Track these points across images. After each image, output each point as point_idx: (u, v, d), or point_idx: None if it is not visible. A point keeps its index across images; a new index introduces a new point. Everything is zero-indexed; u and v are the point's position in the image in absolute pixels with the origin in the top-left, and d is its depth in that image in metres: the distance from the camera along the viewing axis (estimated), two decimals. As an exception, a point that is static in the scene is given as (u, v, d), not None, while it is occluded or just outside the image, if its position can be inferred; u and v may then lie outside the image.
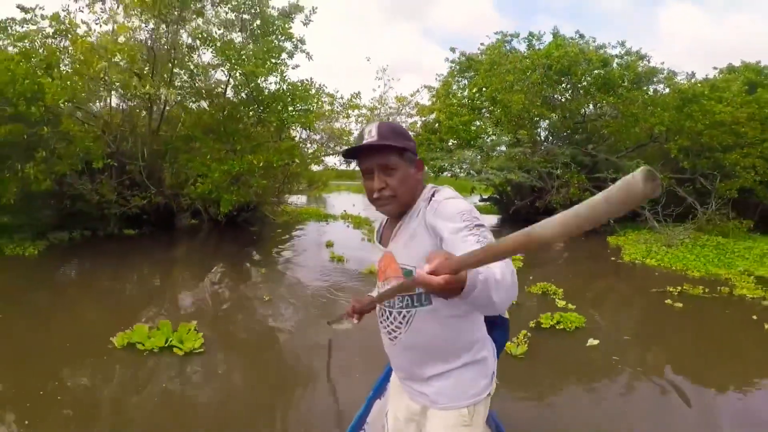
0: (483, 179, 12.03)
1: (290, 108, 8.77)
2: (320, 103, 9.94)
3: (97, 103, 9.56)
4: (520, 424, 2.74)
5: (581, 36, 13.27)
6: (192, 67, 9.23)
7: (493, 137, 13.54)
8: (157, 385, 3.15)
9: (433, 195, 1.34)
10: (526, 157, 12.09)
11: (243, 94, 9.17)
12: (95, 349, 3.62)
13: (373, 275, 1.27)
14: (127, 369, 3.35)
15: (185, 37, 9.06)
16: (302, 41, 9.25)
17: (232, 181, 8.18)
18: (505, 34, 14.15)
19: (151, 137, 8.97)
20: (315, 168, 13.40)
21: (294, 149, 9.53)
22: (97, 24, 8.33)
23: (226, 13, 9.13)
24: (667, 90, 12.55)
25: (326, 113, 11.32)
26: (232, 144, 8.61)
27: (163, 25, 8.45)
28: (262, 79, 8.58)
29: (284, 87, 8.87)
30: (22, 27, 8.02)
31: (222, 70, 9.25)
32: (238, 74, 8.59)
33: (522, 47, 13.98)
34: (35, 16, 7.96)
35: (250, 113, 9.28)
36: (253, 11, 8.98)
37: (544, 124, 13.97)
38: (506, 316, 1.59)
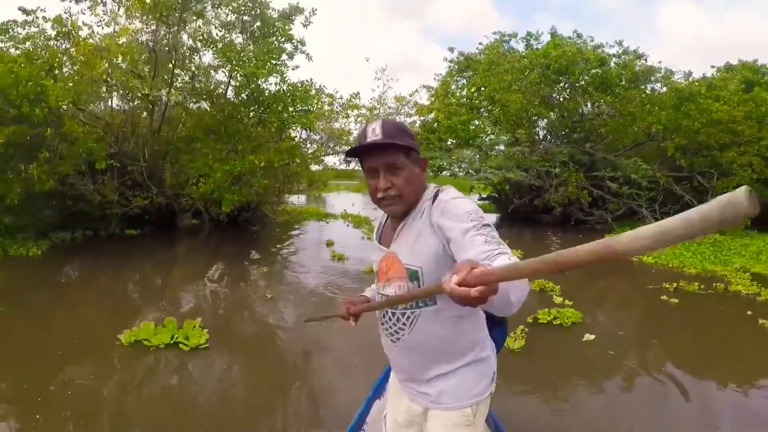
0: (482, 178, 12.14)
1: (290, 109, 8.85)
2: (320, 103, 10.03)
3: (99, 105, 9.63)
4: (516, 417, 2.82)
5: (579, 35, 13.38)
6: (193, 68, 9.30)
7: (492, 136, 13.65)
8: (164, 380, 3.25)
9: (436, 194, 1.34)
10: (524, 156, 12.18)
11: (243, 95, 9.24)
12: (103, 346, 3.71)
13: (373, 274, 1.29)
14: (135, 365, 3.44)
15: (186, 39, 9.14)
16: (302, 42, 9.34)
17: (233, 181, 8.26)
18: (503, 34, 14.27)
19: (152, 138, 9.06)
20: (315, 168, 13.50)
21: (294, 149, 9.62)
22: (99, 26, 8.41)
23: (227, 15, 9.21)
24: (665, 89, 12.65)
25: (326, 113, 11.41)
26: (233, 144, 8.69)
27: (164, 27, 8.53)
28: (263, 80, 8.66)
29: (284, 88, 8.95)
30: (24, 29, 8.10)
31: (223, 71, 9.34)
32: (238, 75, 8.67)
33: (520, 47, 14.10)
34: (36, 18, 8.05)
35: (251, 114, 9.36)
36: (253, 13, 9.07)
37: (543, 123, 14.07)
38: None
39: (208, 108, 9.67)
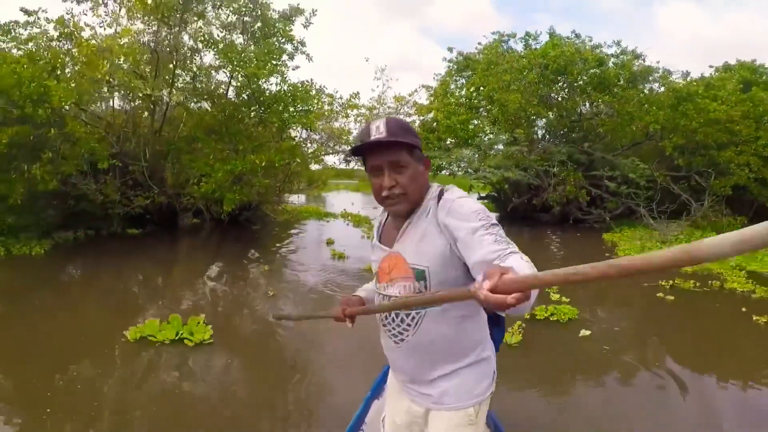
0: (481, 177, 12.22)
1: (291, 109, 8.93)
2: (320, 103, 10.10)
3: (101, 105, 9.69)
4: (514, 413, 2.88)
5: (577, 35, 13.45)
6: (195, 68, 9.38)
7: (491, 136, 13.74)
8: (171, 375, 3.32)
9: (441, 194, 1.33)
10: (523, 156, 12.26)
11: (244, 95, 9.32)
12: (109, 343, 3.78)
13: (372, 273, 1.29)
14: (142, 360, 3.52)
15: (187, 39, 9.21)
16: (302, 43, 9.42)
17: (234, 181, 8.33)
18: (502, 34, 14.33)
19: (154, 138, 9.13)
20: (314, 167, 13.57)
21: (295, 149, 9.70)
22: (101, 27, 8.48)
23: (227, 15, 9.28)
24: (662, 89, 12.74)
25: (326, 113, 11.48)
26: (234, 144, 8.76)
27: (165, 28, 8.60)
28: (264, 80, 8.73)
29: (285, 88, 9.03)
30: (26, 30, 8.16)
31: (224, 72, 9.41)
32: (239, 76, 8.75)
33: (519, 47, 14.17)
34: (38, 19, 8.11)
35: (252, 114, 9.44)
36: (254, 14, 9.14)
37: (541, 122, 14.14)
38: (502, 313, 1.52)
39: (209, 108, 9.74)
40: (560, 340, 4.20)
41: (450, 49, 15.17)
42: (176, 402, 2.99)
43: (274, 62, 8.61)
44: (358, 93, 12.15)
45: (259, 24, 9.24)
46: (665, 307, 5.34)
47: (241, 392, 3.17)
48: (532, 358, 3.77)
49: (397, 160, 1.29)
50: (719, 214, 11.12)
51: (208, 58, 9.70)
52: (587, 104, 13.42)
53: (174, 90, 8.79)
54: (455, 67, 15.10)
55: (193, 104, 9.88)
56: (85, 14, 8.58)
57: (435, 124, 13.66)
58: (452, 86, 15.07)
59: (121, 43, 7.95)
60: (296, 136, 11.18)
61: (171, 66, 8.79)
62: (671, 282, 6.25)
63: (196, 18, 8.83)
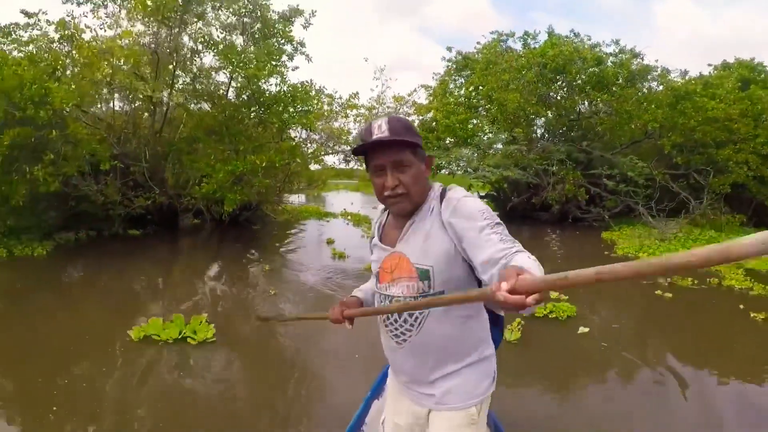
0: (480, 176, 12.26)
1: (291, 109, 8.97)
2: (320, 104, 10.15)
3: (101, 106, 9.72)
4: (513, 408, 2.92)
5: (576, 35, 13.49)
6: (195, 70, 9.41)
7: (490, 135, 13.79)
8: (175, 372, 3.37)
9: (443, 193, 1.33)
10: (522, 155, 12.30)
11: (244, 96, 9.36)
12: (113, 342, 3.82)
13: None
14: (146, 359, 3.56)
15: (187, 40, 9.25)
16: (302, 44, 9.46)
17: (235, 181, 8.38)
18: (500, 34, 14.39)
19: (154, 139, 9.17)
20: (314, 167, 13.61)
21: (295, 149, 9.75)
22: (101, 29, 8.52)
23: (227, 17, 9.32)
24: (661, 87, 12.78)
25: (325, 113, 11.52)
26: (235, 145, 8.80)
27: (165, 29, 8.64)
28: (263, 81, 8.77)
29: (285, 89, 9.07)
30: (26, 32, 8.19)
31: (224, 73, 9.45)
32: (239, 77, 8.79)
33: (517, 46, 14.22)
34: (39, 21, 8.14)
35: (252, 114, 9.48)
36: (254, 15, 9.18)
37: (540, 121, 14.18)
38: (501, 313, 1.58)
39: (209, 109, 9.78)
40: (559, 337, 4.25)
41: (449, 49, 15.27)
42: (180, 400, 3.03)
43: (274, 63, 8.65)
44: (357, 93, 12.19)
45: (258, 25, 9.28)
46: (664, 305, 5.39)
47: (242, 391, 3.21)
48: (531, 355, 3.82)
49: (400, 160, 1.29)
50: (718, 212, 11.15)
51: (208, 59, 9.75)
52: (586, 103, 13.45)
53: (174, 91, 8.82)
54: (454, 66, 15.15)
55: (193, 105, 9.93)
56: (86, 16, 8.62)
57: (434, 123, 13.71)
58: (451, 86, 15.13)
59: (122, 44, 7.98)
60: (296, 137, 11.23)
61: (171, 67, 8.83)
62: (669, 279, 6.29)
63: (195, 19, 8.87)
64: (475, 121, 13.97)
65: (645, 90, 12.81)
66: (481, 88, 13.59)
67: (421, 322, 1.34)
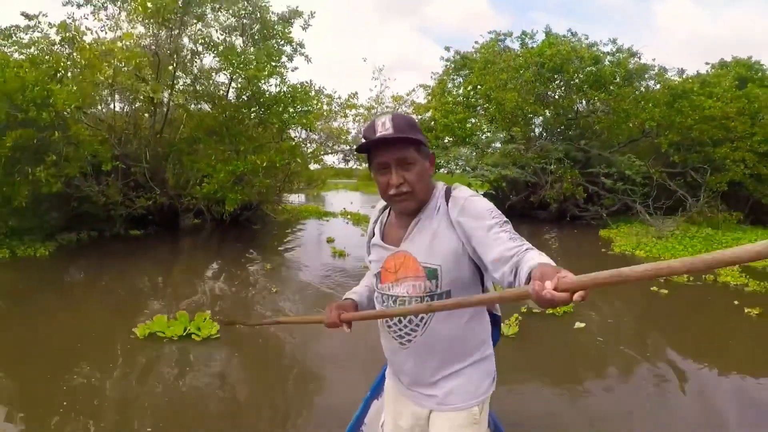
0: (478, 175, 12.34)
1: (291, 110, 9.05)
2: (320, 104, 10.22)
3: (102, 108, 9.78)
4: (511, 404, 2.99)
5: (573, 34, 13.59)
6: (195, 71, 9.48)
7: (488, 134, 13.88)
8: (180, 368, 3.45)
9: (448, 192, 1.33)
10: (520, 154, 12.38)
11: (245, 97, 9.43)
12: (119, 340, 3.90)
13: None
14: (152, 356, 3.64)
15: (187, 42, 9.32)
16: (301, 45, 9.53)
17: (235, 181, 8.45)
18: (498, 33, 14.47)
19: (155, 140, 9.23)
20: (314, 167, 13.68)
21: (295, 149, 9.82)
22: (102, 31, 8.59)
23: (227, 18, 9.39)
24: (658, 86, 12.85)
25: (324, 113, 11.59)
26: (235, 145, 8.87)
27: (166, 31, 8.70)
28: (263, 82, 8.84)
29: (285, 89, 9.15)
30: (26, 34, 8.24)
31: (224, 74, 9.52)
32: (240, 78, 8.86)
33: (515, 46, 14.31)
34: (39, 23, 8.20)
35: (252, 115, 9.55)
36: (253, 16, 9.25)
37: (538, 120, 14.25)
38: (498, 312, 1.60)
39: (209, 110, 9.85)
40: (556, 332, 4.33)
41: (447, 49, 15.35)
42: (187, 395, 3.11)
43: (274, 64, 8.72)
44: (356, 93, 12.28)
45: (258, 26, 9.35)
46: (659, 301, 5.47)
47: (243, 391, 3.26)
48: (528, 349, 3.90)
49: (404, 157, 1.27)
50: (715, 210, 11.22)
51: (208, 60, 9.82)
52: (583, 102, 13.53)
53: (174, 92, 8.89)
54: (453, 66, 15.23)
55: (193, 106, 9.99)
56: (86, 18, 8.68)
57: (433, 123, 13.79)
58: (450, 85, 15.21)
59: (123, 46, 8.05)
60: (296, 137, 11.30)
61: (171, 68, 8.90)
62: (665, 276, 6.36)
63: (195, 21, 8.93)
64: (473, 121, 14.06)
65: (642, 89, 12.88)
66: (479, 87, 13.68)
67: (426, 323, 1.33)
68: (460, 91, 14.89)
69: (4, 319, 4.58)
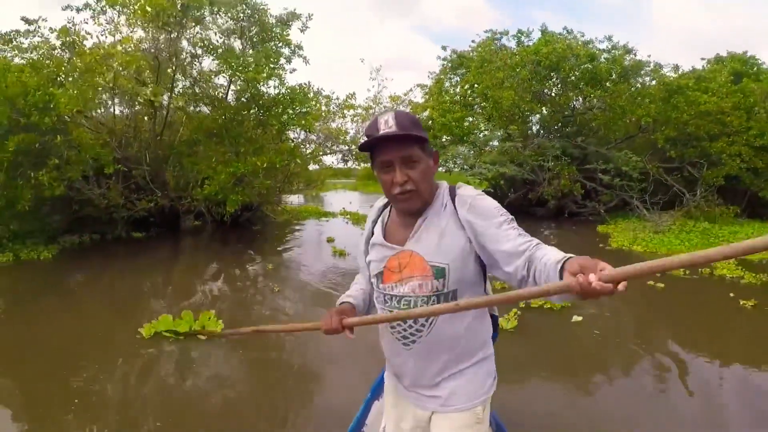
0: (476, 174, 12.40)
1: (290, 111, 9.12)
2: (318, 105, 10.29)
3: (102, 111, 9.84)
4: (510, 399, 3.06)
5: (569, 32, 13.64)
6: (195, 74, 9.55)
7: (486, 132, 13.94)
8: (186, 365, 3.53)
9: (453, 190, 1.33)
10: (517, 151, 12.45)
11: (244, 99, 9.50)
12: (125, 340, 3.97)
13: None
14: (158, 354, 3.72)
15: (186, 45, 9.39)
16: (300, 47, 9.60)
17: (236, 183, 8.51)
18: (494, 32, 14.53)
19: (155, 142, 9.30)
20: (313, 167, 13.74)
21: (295, 150, 9.89)
22: (102, 35, 8.65)
23: (226, 21, 9.46)
24: (654, 82, 12.93)
25: (323, 114, 11.66)
26: (235, 147, 8.93)
27: (165, 34, 8.77)
28: (262, 84, 8.91)
29: (283, 91, 9.23)
30: (27, 39, 8.31)
31: (223, 76, 9.58)
32: (239, 80, 8.93)
33: (511, 44, 14.36)
34: (39, 28, 8.26)
35: (251, 117, 9.61)
36: (252, 19, 9.33)
37: (535, 118, 14.34)
38: (496, 312, 1.59)
39: (209, 112, 9.91)
40: (554, 326, 4.42)
41: (444, 48, 15.41)
42: (185, 395, 3.18)
43: (273, 66, 8.79)
44: (354, 93, 12.34)
45: (256, 29, 9.42)
46: (655, 294, 5.55)
47: (244, 391, 3.29)
48: (527, 343, 3.98)
49: (408, 155, 1.26)
50: (712, 204, 11.31)
51: (207, 62, 9.89)
52: (580, 99, 13.59)
53: (174, 95, 8.96)
54: (449, 65, 15.29)
55: (193, 108, 10.05)
56: (86, 23, 8.75)
57: (430, 122, 13.84)
58: (447, 84, 15.28)
59: (122, 50, 8.11)
60: (295, 138, 11.37)
61: (170, 71, 8.96)
62: (662, 270, 6.43)
63: (194, 24, 9.00)
64: (470, 119, 14.13)
65: (638, 85, 12.94)
66: (476, 86, 13.74)
67: (432, 323, 1.32)
68: (458, 90, 14.96)
69: (9, 322, 4.63)
